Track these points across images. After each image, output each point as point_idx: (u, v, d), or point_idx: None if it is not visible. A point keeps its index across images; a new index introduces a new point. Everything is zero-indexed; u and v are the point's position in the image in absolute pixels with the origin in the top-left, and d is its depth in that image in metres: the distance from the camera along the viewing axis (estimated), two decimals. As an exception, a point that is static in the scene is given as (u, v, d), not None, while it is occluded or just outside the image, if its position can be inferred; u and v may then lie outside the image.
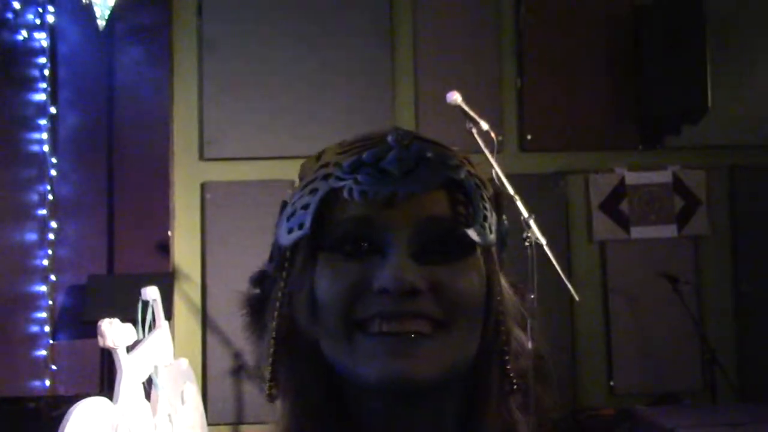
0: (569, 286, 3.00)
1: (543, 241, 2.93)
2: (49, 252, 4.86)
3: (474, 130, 3.00)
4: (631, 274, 5.10)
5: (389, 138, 0.63)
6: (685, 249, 5.19)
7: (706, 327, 4.90)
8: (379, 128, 0.67)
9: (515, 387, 0.66)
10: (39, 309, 4.78)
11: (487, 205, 0.64)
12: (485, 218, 0.62)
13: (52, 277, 4.85)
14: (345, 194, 0.60)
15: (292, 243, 0.62)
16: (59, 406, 3.39)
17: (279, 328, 0.63)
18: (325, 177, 0.62)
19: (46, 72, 4.94)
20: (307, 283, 0.61)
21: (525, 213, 2.94)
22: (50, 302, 4.82)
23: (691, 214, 5.19)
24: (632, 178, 5.19)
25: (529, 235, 2.93)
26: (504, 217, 0.69)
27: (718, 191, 5.24)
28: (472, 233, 0.61)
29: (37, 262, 4.83)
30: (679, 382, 5.00)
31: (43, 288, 4.80)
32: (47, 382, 4.72)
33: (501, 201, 0.68)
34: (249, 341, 0.67)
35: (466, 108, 3.02)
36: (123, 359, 2.64)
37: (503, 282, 0.67)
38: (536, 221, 2.96)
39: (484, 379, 0.64)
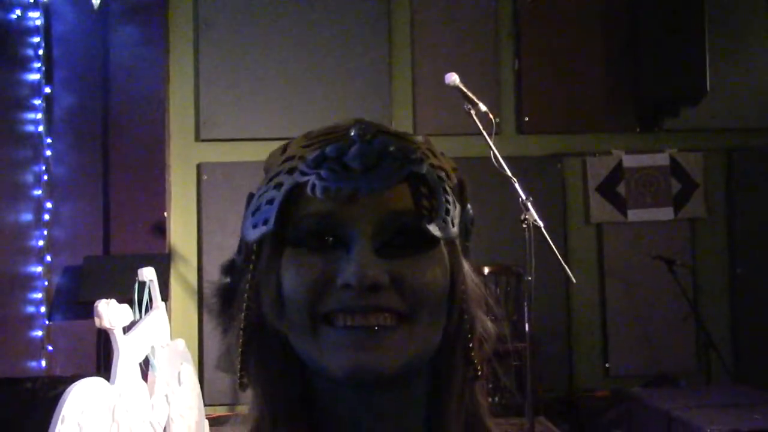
0: (566, 268, 3.00)
1: (541, 223, 2.92)
2: (45, 233, 4.84)
3: (472, 112, 2.99)
4: (628, 256, 5.11)
5: (352, 132, 0.63)
6: (682, 231, 5.20)
7: (702, 309, 4.92)
8: (346, 119, 0.67)
9: (479, 373, 0.67)
10: (35, 290, 4.78)
11: (450, 198, 0.64)
12: (447, 212, 0.63)
13: (48, 258, 4.84)
14: (308, 190, 0.60)
15: (257, 238, 0.63)
16: (56, 386, 3.38)
17: (248, 319, 0.64)
18: (290, 171, 0.63)
19: (41, 51, 4.90)
20: (274, 277, 0.62)
21: (523, 195, 2.94)
22: (46, 283, 4.82)
23: (688, 197, 5.19)
24: (629, 160, 5.18)
25: (526, 217, 2.93)
26: (468, 206, 0.70)
27: (715, 174, 5.25)
28: (433, 228, 0.61)
29: (33, 242, 4.82)
30: (674, 364, 5.03)
31: (39, 269, 4.79)
32: (44, 363, 4.72)
33: (465, 190, 0.69)
34: (217, 330, 0.68)
35: (464, 89, 3.00)
36: (120, 340, 2.64)
37: (467, 271, 0.67)
38: (533, 203, 2.95)
39: (448, 367, 0.65)
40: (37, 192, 4.84)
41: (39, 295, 4.77)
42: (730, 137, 5.25)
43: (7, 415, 3.41)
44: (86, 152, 5.00)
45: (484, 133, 2.97)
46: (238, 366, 0.64)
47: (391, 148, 0.62)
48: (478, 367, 0.67)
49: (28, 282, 4.75)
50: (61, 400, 2.15)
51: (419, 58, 5.13)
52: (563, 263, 2.99)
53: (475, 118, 3.00)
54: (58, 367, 4.76)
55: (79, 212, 4.96)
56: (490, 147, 2.95)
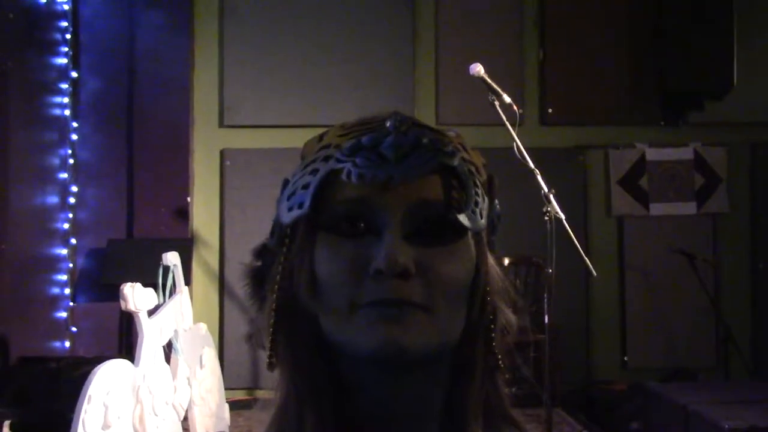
0: (587, 261, 3.00)
1: (562, 216, 2.92)
2: (70, 215, 4.91)
3: (496, 103, 2.98)
4: (649, 250, 5.09)
5: (388, 123, 0.65)
6: (704, 226, 5.16)
7: (722, 304, 4.90)
8: (382, 111, 0.69)
9: (501, 364, 0.69)
10: (60, 271, 4.84)
11: (479, 191, 0.66)
12: (477, 204, 0.65)
13: (73, 241, 4.90)
14: (343, 176, 0.63)
15: (292, 221, 0.65)
16: (80, 366, 3.45)
17: (279, 301, 0.66)
18: (326, 158, 0.65)
19: (68, 36, 4.95)
20: (307, 260, 0.64)
21: (545, 187, 2.94)
22: (71, 265, 4.88)
23: (711, 192, 5.15)
24: (653, 154, 5.15)
25: (548, 209, 2.93)
26: (496, 201, 0.71)
27: (738, 169, 5.20)
28: (462, 218, 0.63)
29: (58, 225, 4.88)
30: (692, 359, 5.01)
31: (64, 251, 4.86)
32: (67, 344, 4.80)
33: (494, 185, 0.70)
34: (251, 311, 0.70)
35: (489, 80, 2.99)
36: (144, 323, 2.68)
37: (492, 263, 0.69)
38: (555, 195, 2.95)
39: (469, 357, 0.67)
40: (63, 175, 4.90)
41: (64, 277, 4.84)
42: (754, 132, 5.19)
43: (33, 392, 3.47)
44: (111, 136, 5.05)
45: (508, 124, 2.97)
46: (268, 346, 0.66)
47: (425, 140, 0.64)
48: (499, 358, 0.68)
49: (53, 264, 4.82)
50: (87, 381, 2.20)
51: (443, 47, 5.13)
52: (584, 256, 2.99)
53: (498, 109, 2.99)
54: (81, 347, 4.83)
55: (104, 196, 5.02)
56: (514, 138, 2.95)
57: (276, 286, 0.66)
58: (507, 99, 2.99)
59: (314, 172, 0.65)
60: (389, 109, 0.69)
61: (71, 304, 4.85)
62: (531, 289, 4.95)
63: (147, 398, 2.59)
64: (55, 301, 4.79)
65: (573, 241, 2.92)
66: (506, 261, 4.98)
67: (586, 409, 4.51)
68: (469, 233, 0.65)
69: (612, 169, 5.17)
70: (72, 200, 4.91)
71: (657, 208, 5.14)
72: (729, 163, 5.17)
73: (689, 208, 5.14)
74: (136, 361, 2.61)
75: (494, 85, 2.99)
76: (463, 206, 0.64)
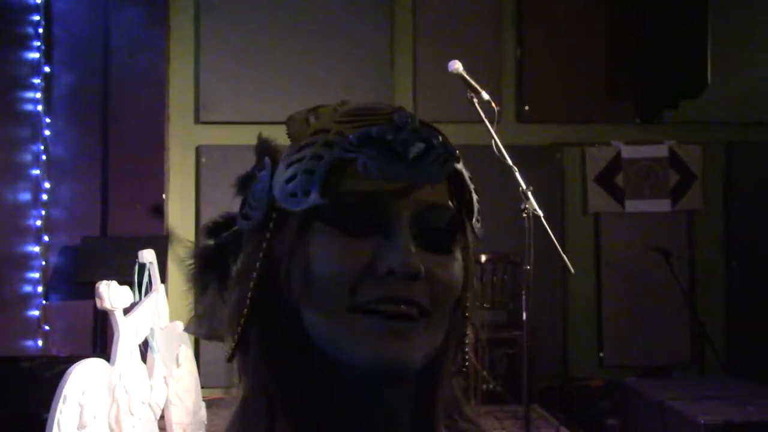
0: (565, 258, 3.01)
1: (540, 213, 2.93)
2: (43, 212, 4.84)
3: (475, 100, 2.98)
4: (625, 247, 5.13)
5: (396, 117, 0.62)
6: (679, 223, 5.22)
7: (697, 301, 4.95)
8: (376, 101, 0.66)
9: (465, 366, 0.68)
10: (32, 269, 4.78)
11: (476, 198, 0.65)
12: (480, 212, 0.64)
13: (46, 238, 4.84)
14: (359, 167, 0.59)
15: (302, 209, 0.60)
16: (53, 366, 3.40)
17: (255, 288, 0.61)
18: (328, 144, 0.61)
19: (41, 30, 4.87)
20: (302, 252, 0.60)
21: (523, 185, 2.94)
22: (43, 263, 4.81)
23: (686, 189, 5.21)
24: (629, 151, 5.19)
25: (526, 206, 2.93)
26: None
27: (713, 167, 5.26)
28: (476, 227, 0.63)
29: (31, 222, 4.81)
30: (668, 355, 5.06)
31: (37, 248, 4.79)
32: (40, 342, 4.73)
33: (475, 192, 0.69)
34: (191, 294, 0.66)
35: (467, 77, 2.99)
36: (120, 321, 2.64)
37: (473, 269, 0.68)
38: (532, 193, 2.96)
39: (441, 360, 0.65)
40: (35, 171, 4.83)
41: (36, 275, 4.77)
42: (729, 130, 5.26)
43: (5, 392, 3.42)
44: (85, 133, 4.98)
45: (486, 121, 2.96)
46: (235, 338, 0.62)
47: (436, 141, 0.61)
48: (466, 360, 0.67)
49: (25, 261, 4.75)
50: (62, 381, 2.16)
51: (421, 44, 5.12)
52: (562, 253, 3.00)
53: (477, 106, 2.99)
54: (54, 346, 4.77)
55: (77, 193, 4.95)
56: (492, 136, 2.95)
57: (254, 274, 0.61)
58: (485, 96, 2.99)
59: (317, 157, 0.60)
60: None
61: (44, 302, 4.79)
62: (508, 287, 4.97)
63: (123, 398, 2.55)
64: (27, 300, 4.72)
65: (550, 238, 2.93)
66: (483, 258, 5.00)
67: (563, 406, 4.53)
68: (458, 240, 0.63)
69: (588, 166, 5.20)
70: (45, 197, 4.84)
71: (632, 206, 5.18)
72: (704, 161, 5.23)
73: (664, 205, 5.19)
74: (111, 360, 2.58)
75: (473, 82, 2.99)
76: (469, 214, 0.63)
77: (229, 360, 0.63)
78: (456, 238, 0.62)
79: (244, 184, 0.67)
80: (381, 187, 0.59)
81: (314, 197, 0.59)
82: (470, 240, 0.64)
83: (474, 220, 0.63)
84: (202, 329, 0.67)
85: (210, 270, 0.66)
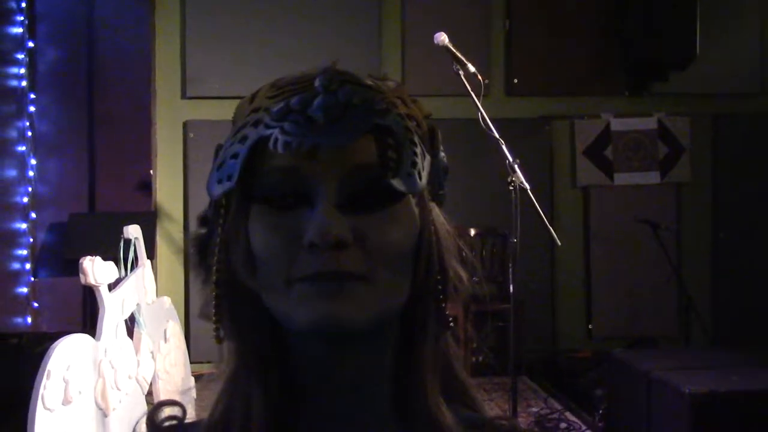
0: (551, 231, 3.01)
1: (527, 186, 2.92)
2: (30, 189, 4.81)
3: (461, 73, 2.96)
4: (613, 219, 5.14)
5: (316, 82, 0.61)
6: (667, 195, 5.23)
7: (685, 273, 4.98)
8: (315, 67, 0.64)
9: (451, 323, 0.66)
10: (20, 246, 4.76)
11: (418, 149, 0.61)
12: (414, 164, 0.60)
13: (33, 215, 4.81)
14: (270, 144, 0.58)
15: (219, 195, 0.61)
16: (42, 342, 3.40)
17: (219, 273, 0.63)
18: (255, 123, 0.60)
19: (24, 4, 4.80)
20: (242, 234, 0.61)
21: (510, 157, 2.93)
22: (31, 239, 4.80)
23: (675, 161, 5.21)
24: (618, 124, 5.19)
25: (513, 179, 2.93)
26: (442, 154, 0.68)
27: (701, 139, 5.26)
28: (397, 183, 0.59)
29: (18, 198, 4.79)
30: (655, 327, 5.10)
31: (24, 225, 4.77)
32: (29, 319, 4.73)
33: (437, 137, 0.67)
34: (197, 281, 0.67)
35: (453, 49, 2.97)
36: (105, 297, 2.64)
37: (440, 221, 0.66)
38: (520, 166, 2.95)
39: (419, 318, 0.64)
40: (21, 148, 4.79)
41: (24, 252, 4.76)
42: (717, 102, 5.25)
43: (-7, 369, 3.42)
44: (71, 108, 4.94)
45: (473, 94, 2.95)
46: (213, 319, 0.63)
47: (356, 100, 0.59)
48: (450, 318, 0.66)
49: (13, 238, 4.73)
50: (46, 356, 2.17)
51: (409, 17, 5.08)
52: (548, 226, 3.00)
53: (463, 78, 2.97)
54: (44, 323, 4.76)
55: (64, 169, 4.92)
56: (478, 108, 2.94)
57: (215, 258, 0.63)
58: (471, 68, 2.97)
59: (243, 139, 0.60)
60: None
61: (32, 279, 4.78)
62: (497, 260, 4.98)
63: (109, 372, 2.56)
64: (15, 277, 4.71)
65: (538, 212, 2.93)
66: (472, 232, 5.00)
67: (551, 377, 4.57)
68: (411, 196, 0.62)
69: (577, 139, 5.20)
70: (31, 174, 4.82)
71: (621, 178, 5.18)
72: (692, 133, 5.23)
73: (653, 177, 5.20)
74: (97, 336, 2.58)
75: (459, 55, 2.97)
76: (398, 169, 0.60)
77: (217, 341, 0.64)
78: (398, 192, 0.60)
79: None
80: (297, 159, 0.58)
81: (231, 182, 0.60)
82: (411, 193, 0.62)
83: (404, 173, 0.59)
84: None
85: (205, 258, 0.67)
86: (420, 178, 0.61)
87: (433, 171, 0.65)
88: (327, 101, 0.59)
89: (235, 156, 0.60)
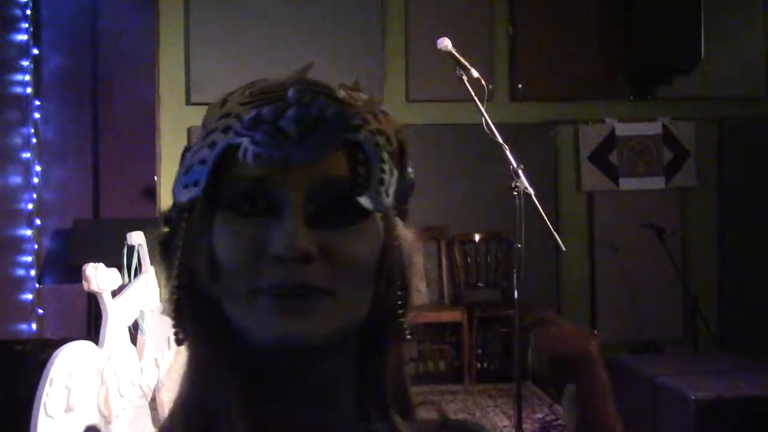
0: (556, 236, 3.00)
1: (531, 191, 2.91)
2: (34, 196, 4.82)
3: (464, 78, 2.96)
4: (618, 224, 5.12)
5: (288, 93, 0.60)
6: (672, 200, 5.21)
7: (690, 277, 4.95)
8: (290, 75, 0.64)
9: (408, 336, 0.66)
10: (25, 253, 4.77)
11: (386, 167, 0.61)
12: (381, 182, 0.61)
13: (38, 221, 4.82)
14: (240, 154, 0.58)
15: (186, 201, 0.60)
16: (45, 349, 3.39)
17: (180, 278, 0.62)
18: (225, 130, 0.60)
19: (28, 11, 4.82)
20: (206, 240, 0.60)
21: (514, 163, 2.92)
22: (36, 246, 4.80)
23: (680, 166, 5.20)
24: (622, 129, 5.17)
25: (517, 184, 2.92)
26: (410, 170, 0.68)
27: (706, 143, 5.24)
28: (365, 200, 0.60)
29: (23, 205, 4.79)
30: (661, 331, 5.07)
31: (29, 232, 4.78)
32: (34, 326, 4.73)
33: (405, 153, 0.66)
34: (160, 277, 0.67)
35: (456, 55, 2.97)
36: (108, 303, 2.64)
37: (403, 237, 0.66)
38: (525, 171, 2.94)
39: (379, 332, 0.64)
40: (26, 155, 4.80)
41: (29, 258, 4.76)
42: (722, 106, 5.23)
43: (-3, 376, 3.42)
44: (75, 115, 4.95)
45: (476, 99, 2.94)
46: (173, 322, 0.62)
47: (329, 113, 0.59)
48: (408, 330, 0.66)
49: (17, 245, 4.74)
50: (48, 363, 2.16)
51: (413, 22, 5.08)
52: (553, 231, 2.99)
53: (467, 84, 2.97)
54: (48, 329, 4.77)
55: (69, 175, 4.93)
56: (482, 114, 2.93)
57: (177, 262, 0.62)
58: (475, 73, 2.96)
59: (212, 145, 0.60)
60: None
61: (37, 285, 4.78)
62: (501, 265, 4.97)
63: (112, 380, 2.55)
64: (20, 283, 4.72)
65: (543, 217, 2.92)
66: (477, 237, 4.99)
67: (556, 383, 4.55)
68: (368, 211, 0.61)
69: (582, 144, 5.18)
70: (36, 180, 4.82)
71: (626, 183, 5.17)
72: (697, 137, 5.21)
73: (658, 182, 5.18)
74: (100, 343, 2.57)
75: (462, 59, 2.96)
76: (366, 186, 0.60)
77: (177, 343, 0.63)
78: (365, 208, 0.60)
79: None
80: (267, 170, 0.58)
81: (198, 188, 0.59)
82: (378, 211, 0.62)
83: (372, 190, 0.60)
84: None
85: (167, 257, 0.66)
86: (387, 196, 0.61)
87: (400, 187, 0.65)
88: (299, 114, 0.59)
89: (202, 162, 0.60)
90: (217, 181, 0.59)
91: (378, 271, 0.62)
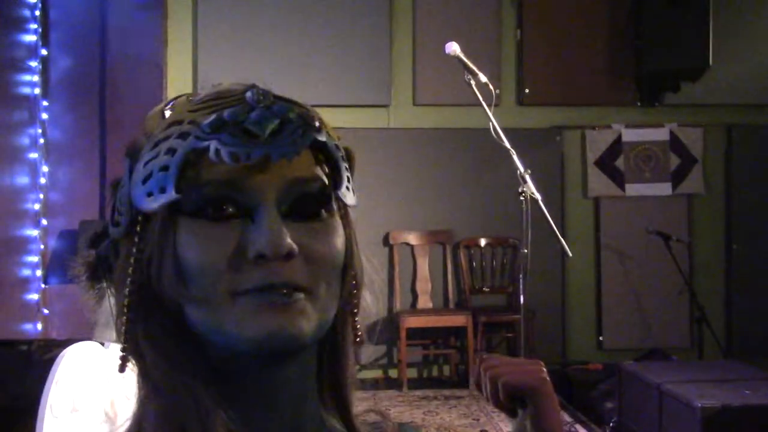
0: (563, 242, 2.99)
1: (538, 196, 2.90)
2: (41, 196, 4.82)
3: (472, 82, 2.95)
4: (625, 230, 5.11)
5: (248, 96, 0.61)
6: (679, 207, 5.20)
7: (697, 285, 4.94)
8: (234, 83, 0.64)
9: (359, 338, 0.67)
10: (31, 253, 4.77)
11: (347, 166, 0.64)
12: (349, 180, 0.63)
13: (44, 222, 4.83)
14: (211, 155, 0.57)
15: (157, 207, 0.59)
16: (51, 349, 3.39)
17: (132, 295, 0.60)
18: (182, 135, 0.59)
19: (37, 12, 4.83)
20: (170, 249, 0.59)
21: (521, 168, 2.92)
22: (42, 246, 4.81)
23: (687, 173, 5.18)
24: (629, 134, 5.16)
25: (524, 189, 2.91)
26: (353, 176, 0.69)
27: (714, 150, 5.23)
28: (342, 195, 0.62)
29: (29, 205, 4.80)
30: (667, 339, 5.06)
31: (35, 232, 4.78)
32: (39, 326, 4.73)
33: (353, 160, 0.67)
34: (89, 302, 0.65)
35: (464, 59, 2.96)
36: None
37: (355, 238, 0.67)
38: (531, 176, 2.93)
39: (340, 334, 0.66)
40: (33, 155, 4.81)
41: (35, 259, 4.77)
42: (730, 113, 5.22)
43: (3, 375, 3.42)
44: (83, 115, 4.96)
45: (484, 104, 2.94)
46: (122, 344, 0.61)
47: (292, 115, 0.60)
48: (360, 335, 0.67)
49: (24, 245, 4.74)
50: (54, 364, 2.15)
51: (420, 27, 5.08)
52: (559, 236, 2.98)
53: (474, 88, 2.96)
54: (54, 330, 4.77)
55: (76, 176, 4.94)
56: (490, 118, 2.92)
57: (128, 279, 0.60)
58: (483, 78, 2.95)
59: (171, 151, 0.59)
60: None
61: (43, 286, 4.78)
62: (507, 270, 4.97)
63: (118, 381, 2.55)
64: (26, 283, 4.72)
65: (549, 222, 2.91)
66: (483, 242, 4.99)
67: (562, 389, 4.54)
68: (336, 211, 0.63)
69: (588, 149, 5.18)
70: (43, 181, 4.83)
71: (633, 189, 5.16)
72: (704, 144, 5.20)
73: (665, 188, 5.17)
74: (106, 344, 2.57)
75: (470, 64, 2.95)
76: (338, 183, 0.62)
77: (121, 370, 0.62)
78: (331, 205, 0.62)
79: (113, 190, 0.65)
80: (238, 171, 0.58)
81: (169, 194, 0.58)
82: (347, 207, 0.64)
83: (344, 188, 0.62)
84: (107, 336, 0.66)
85: (99, 281, 0.65)
86: (354, 194, 0.64)
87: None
88: (265, 115, 0.59)
89: (164, 168, 0.59)
90: (180, 188, 0.59)
91: (344, 269, 0.63)
